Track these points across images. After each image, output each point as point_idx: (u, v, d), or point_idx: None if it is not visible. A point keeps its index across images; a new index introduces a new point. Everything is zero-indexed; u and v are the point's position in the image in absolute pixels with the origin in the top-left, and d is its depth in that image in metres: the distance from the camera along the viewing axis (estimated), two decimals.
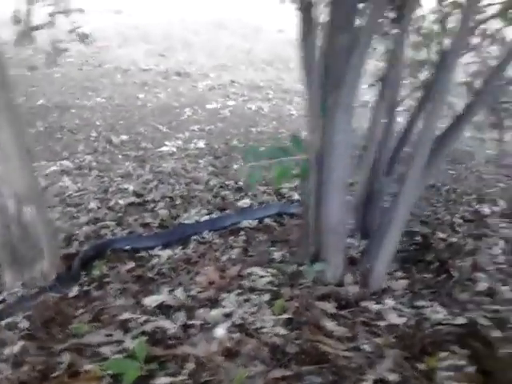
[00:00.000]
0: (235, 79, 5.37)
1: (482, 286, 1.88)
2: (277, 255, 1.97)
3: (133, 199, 2.64)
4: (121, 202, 2.60)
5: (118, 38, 6.59)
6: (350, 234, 1.86)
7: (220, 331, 1.47)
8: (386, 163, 1.91)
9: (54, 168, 3.11)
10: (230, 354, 1.40)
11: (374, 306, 1.58)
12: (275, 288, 1.69)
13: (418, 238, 2.31)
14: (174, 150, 3.58)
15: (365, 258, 1.70)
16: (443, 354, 1.39)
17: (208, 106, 4.58)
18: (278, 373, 1.33)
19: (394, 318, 1.54)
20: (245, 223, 2.23)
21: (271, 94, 5.11)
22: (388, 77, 1.84)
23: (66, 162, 3.19)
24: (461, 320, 1.60)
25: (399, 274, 1.90)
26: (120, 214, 2.43)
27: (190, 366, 1.36)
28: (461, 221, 2.64)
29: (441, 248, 2.20)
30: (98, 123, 4.04)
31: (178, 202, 2.62)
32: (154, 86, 5.13)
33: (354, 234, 1.90)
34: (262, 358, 1.39)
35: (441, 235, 2.36)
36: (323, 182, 1.56)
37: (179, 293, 1.66)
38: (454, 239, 2.33)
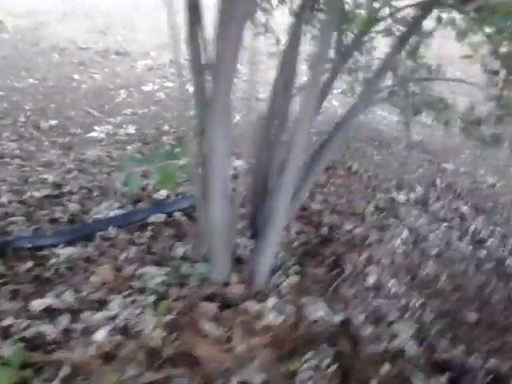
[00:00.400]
0: (175, 59, 5.28)
1: (371, 280, 1.97)
2: (179, 252, 2.00)
3: (49, 191, 2.62)
4: (36, 194, 2.56)
5: (58, 13, 6.38)
6: (242, 233, 1.91)
7: (100, 334, 1.50)
8: (280, 160, 1.95)
9: None
10: (108, 357, 1.45)
11: (255, 306, 1.64)
12: (165, 288, 1.73)
13: (325, 230, 2.39)
14: (103, 135, 3.54)
15: (251, 257, 1.76)
16: (309, 354, 1.47)
17: (144, 88, 4.53)
18: (148, 376, 1.38)
19: (272, 318, 1.61)
20: (153, 217, 2.25)
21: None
22: (282, 69, 1.85)
23: None
24: (339, 317, 1.69)
25: (294, 269, 1.97)
26: (32, 209, 2.40)
27: (66, 371, 1.40)
28: (373, 209, 2.73)
29: (342, 240, 2.28)
30: (27, 107, 3.95)
31: (96, 193, 2.62)
32: (90, 66, 5.02)
33: (246, 233, 1.95)
34: (138, 361, 1.44)
35: (347, 226, 2.45)
36: (206, 186, 1.60)
37: (68, 295, 1.68)
38: (358, 230, 2.41)
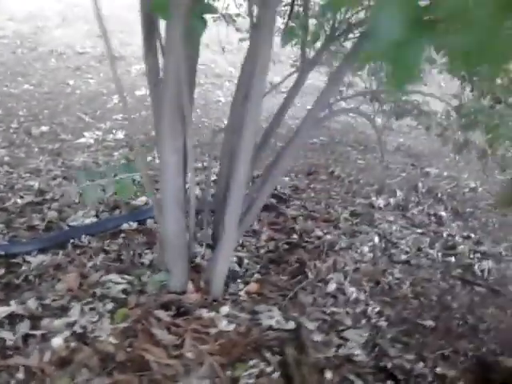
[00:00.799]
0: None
1: (332, 287, 2.02)
2: (147, 260, 2.07)
3: (32, 198, 2.69)
4: (19, 201, 2.64)
5: (58, 18, 6.49)
6: (203, 243, 1.97)
7: (57, 341, 1.57)
8: None
9: None
10: (63, 362, 1.51)
11: (208, 314, 1.69)
12: (125, 296, 1.80)
13: (296, 236, 2.44)
14: (92, 141, 3.62)
15: (208, 266, 1.81)
16: (254, 361, 1.52)
17: (137, 93, 4.60)
18: (98, 381, 1.45)
19: (224, 325, 1.66)
20: (125, 225, 2.32)
21: (203, 79, 5.14)
22: (242, 80, 1.89)
23: None
24: (292, 325, 1.74)
25: (255, 276, 2.02)
26: (13, 216, 2.48)
27: (21, 376, 1.47)
28: (347, 215, 2.77)
29: (310, 247, 2.33)
30: (21, 113, 4.04)
31: (77, 200, 2.69)
32: (86, 72, 5.11)
33: (207, 242, 2.00)
34: (91, 366, 1.51)
35: (318, 233, 2.49)
36: (161, 197, 1.66)
37: (32, 302, 1.75)
38: (329, 237, 2.46)
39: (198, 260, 1.87)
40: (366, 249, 2.38)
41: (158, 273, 1.90)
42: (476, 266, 2.37)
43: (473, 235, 2.73)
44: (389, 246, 2.48)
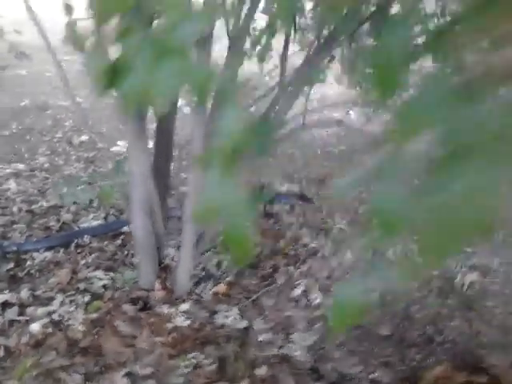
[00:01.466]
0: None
1: (297, 292, 2.15)
2: (137, 260, 2.29)
3: (57, 201, 3.02)
4: (45, 204, 2.98)
5: None
6: (175, 245, 2.17)
7: (36, 326, 1.83)
8: None
9: (8, 171, 3.53)
10: (37, 345, 1.77)
11: (168, 310, 1.89)
12: (103, 290, 2.03)
13: (282, 243, 2.57)
14: (124, 149, 3.93)
15: (176, 266, 2.01)
16: (193, 354, 1.70)
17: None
18: (60, 361, 1.68)
19: (181, 321, 1.85)
20: (126, 228, 2.56)
21: None
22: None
23: (19, 165, 3.61)
24: (244, 324, 1.89)
25: (228, 279, 2.19)
26: (36, 217, 2.81)
27: (1, 353, 1.74)
28: (343, 226, 2.86)
29: (292, 254, 2.45)
30: (67, 124, 4.46)
31: (95, 204, 2.98)
32: None
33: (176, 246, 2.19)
34: (59, 349, 1.75)
35: (306, 240, 2.61)
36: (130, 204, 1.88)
37: (24, 292, 2.02)
38: (315, 244, 2.57)
39: (168, 261, 2.07)
40: (347, 256, 2.47)
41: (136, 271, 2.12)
42: (458, 279, 2.39)
43: (468, 249, 2.72)
44: (374, 254, 2.54)
